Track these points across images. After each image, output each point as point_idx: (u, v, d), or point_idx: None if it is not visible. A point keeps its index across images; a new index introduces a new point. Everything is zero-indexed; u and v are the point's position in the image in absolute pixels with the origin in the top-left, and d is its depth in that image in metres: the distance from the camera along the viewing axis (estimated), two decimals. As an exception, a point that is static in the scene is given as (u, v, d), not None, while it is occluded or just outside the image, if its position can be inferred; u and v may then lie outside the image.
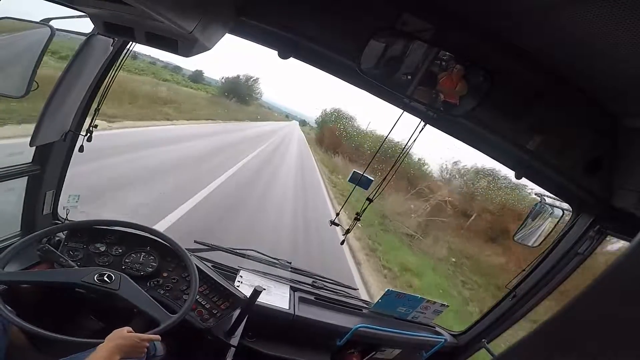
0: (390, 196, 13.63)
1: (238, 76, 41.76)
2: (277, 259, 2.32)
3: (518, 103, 1.32)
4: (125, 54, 1.64)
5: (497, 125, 1.38)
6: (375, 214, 11.42)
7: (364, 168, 1.87)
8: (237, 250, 2.23)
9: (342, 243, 1.95)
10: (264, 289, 1.70)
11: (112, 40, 1.54)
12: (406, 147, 1.55)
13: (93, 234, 1.71)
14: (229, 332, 1.65)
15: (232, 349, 1.62)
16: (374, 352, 2.21)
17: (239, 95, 39.65)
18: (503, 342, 2.32)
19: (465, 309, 8.10)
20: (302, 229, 7.84)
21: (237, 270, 2.13)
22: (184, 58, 1.27)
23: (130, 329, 1.24)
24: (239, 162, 11.85)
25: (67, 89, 1.51)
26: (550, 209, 1.82)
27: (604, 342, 0.30)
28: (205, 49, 1.27)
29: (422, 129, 1.47)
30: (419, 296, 2.27)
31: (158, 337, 1.30)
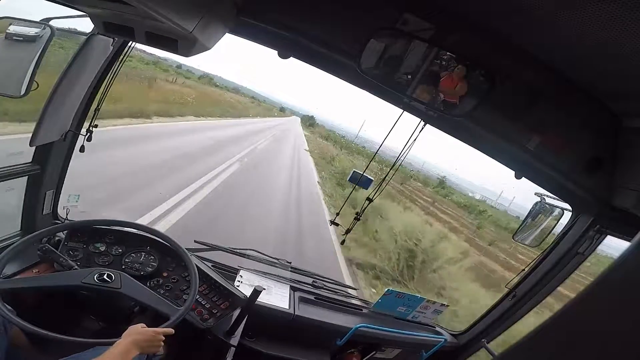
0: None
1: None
2: (277, 259, 2.32)
3: (518, 103, 1.32)
4: (125, 54, 1.64)
5: (497, 125, 1.38)
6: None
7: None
8: (237, 250, 2.23)
9: (342, 243, 1.95)
10: (264, 289, 1.70)
11: (112, 40, 1.54)
12: (406, 146, 1.55)
13: (93, 234, 1.71)
14: (228, 332, 1.65)
15: (232, 349, 1.62)
16: (374, 352, 2.21)
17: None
18: (503, 342, 2.32)
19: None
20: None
21: (237, 270, 2.13)
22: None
23: (144, 324, 1.25)
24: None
25: (67, 88, 1.51)
26: (550, 208, 1.82)
27: (604, 343, 0.30)
28: (205, 48, 1.27)
29: (422, 128, 1.47)
30: (419, 296, 2.27)
31: (172, 330, 1.31)
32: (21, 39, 1.35)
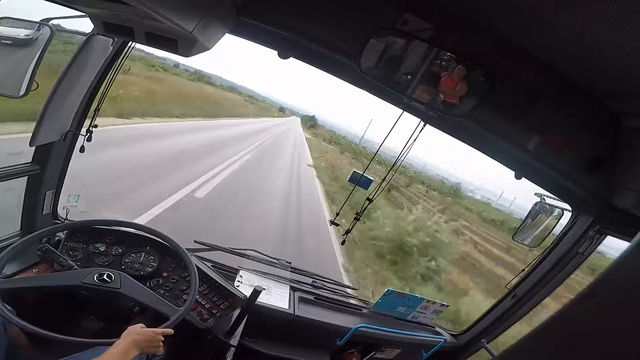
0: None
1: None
2: (277, 259, 2.32)
3: (518, 103, 1.32)
4: (124, 54, 1.64)
5: (497, 125, 1.38)
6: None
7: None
8: (237, 250, 2.23)
9: (342, 243, 1.95)
10: (264, 289, 1.70)
11: (111, 40, 1.54)
12: (406, 146, 1.55)
13: (93, 234, 1.71)
14: (228, 332, 1.65)
15: (232, 349, 1.62)
16: (373, 352, 2.21)
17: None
18: (503, 342, 2.32)
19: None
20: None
21: (237, 270, 2.13)
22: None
23: (143, 325, 1.25)
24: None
25: (67, 88, 1.51)
26: (550, 208, 1.82)
27: (604, 343, 0.30)
28: (205, 49, 1.27)
29: (422, 128, 1.47)
30: (419, 296, 2.27)
31: (171, 330, 1.31)
32: (9, 42, 1.31)
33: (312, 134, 53.92)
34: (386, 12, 1.22)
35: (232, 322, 1.66)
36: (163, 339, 1.27)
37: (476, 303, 7.64)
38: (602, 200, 1.49)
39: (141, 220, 5.14)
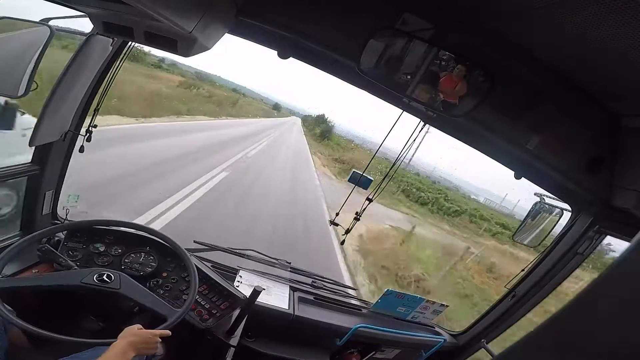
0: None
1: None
2: (277, 259, 2.32)
3: (518, 103, 1.32)
4: (124, 54, 1.64)
5: (497, 125, 1.38)
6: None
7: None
8: (237, 250, 2.23)
9: (342, 243, 1.95)
10: (264, 289, 1.70)
11: (111, 40, 1.54)
12: (406, 145, 1.55)
13: (92, 234, 1.71)
14: (228, 332, 1.65)
15: (232, 349, 1.62)
16: (373, 352, 2.21)
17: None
18: (503, 342, 2.32)
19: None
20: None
21: (237, 270, 2.13)
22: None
23: (140, 326, 1.24)
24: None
25: (67, 88, 1.51)
26: (549, 208, 1.82)
27: (603, 343, 0.29)
28: (205, 48, 1.27)
29: (422, 128, 1.47)
30: (419, 296, 2.27)
31: (169, 332, 1.31)
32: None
33: (336, 165, 23.95)
34: (386, 12, 1.22)
35: (231, 322, 1.66)
36: (160, 340, 1.26)
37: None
38: (602, 200, 1.49)
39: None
